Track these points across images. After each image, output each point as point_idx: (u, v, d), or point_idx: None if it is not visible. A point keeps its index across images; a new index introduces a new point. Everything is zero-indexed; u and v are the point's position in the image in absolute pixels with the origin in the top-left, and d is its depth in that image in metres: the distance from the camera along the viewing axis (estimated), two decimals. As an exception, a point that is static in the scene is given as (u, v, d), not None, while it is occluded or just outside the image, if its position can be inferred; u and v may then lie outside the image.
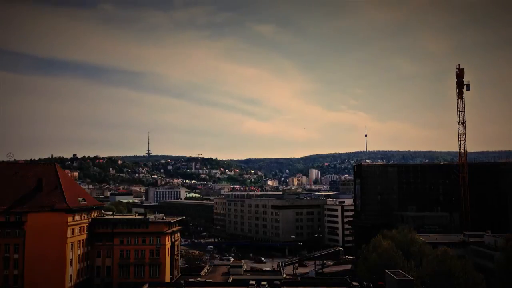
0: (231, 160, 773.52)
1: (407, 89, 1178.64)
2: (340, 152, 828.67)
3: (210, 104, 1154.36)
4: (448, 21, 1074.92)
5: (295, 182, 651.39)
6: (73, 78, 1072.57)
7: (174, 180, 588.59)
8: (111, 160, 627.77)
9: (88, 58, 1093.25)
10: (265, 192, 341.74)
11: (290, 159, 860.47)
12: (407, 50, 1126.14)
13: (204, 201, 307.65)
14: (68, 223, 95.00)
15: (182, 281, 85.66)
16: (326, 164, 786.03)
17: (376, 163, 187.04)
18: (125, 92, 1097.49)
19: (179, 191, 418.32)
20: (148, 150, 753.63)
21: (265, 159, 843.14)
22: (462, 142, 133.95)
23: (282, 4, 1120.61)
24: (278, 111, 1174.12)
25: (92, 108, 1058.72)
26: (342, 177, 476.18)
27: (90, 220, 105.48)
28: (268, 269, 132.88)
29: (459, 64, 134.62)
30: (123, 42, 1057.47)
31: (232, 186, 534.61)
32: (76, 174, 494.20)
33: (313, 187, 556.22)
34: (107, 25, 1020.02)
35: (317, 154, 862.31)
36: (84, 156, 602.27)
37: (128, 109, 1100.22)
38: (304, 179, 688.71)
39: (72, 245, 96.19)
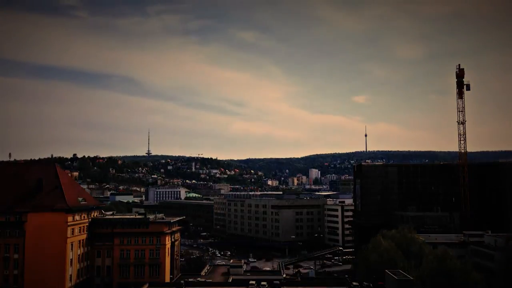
0: (231, 160, 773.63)
1: (393, 92, 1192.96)
2: (340, 152, 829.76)
3: (199, 106, 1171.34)
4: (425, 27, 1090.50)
5: (295, 182, 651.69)
6: (72, 83, 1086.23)
7: (174, 180, 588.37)
8: (111, 160, 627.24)
9: (81, 64, 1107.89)
10: (265, 192, 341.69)
11: (290, 159, 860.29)
12: (382, 55, 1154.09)
13: (204, 201, 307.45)
14: (68, 223, 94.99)
15: (182, 281, 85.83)
16: (326, 164, 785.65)
17: (376, 163, 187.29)
18: (120, 95, 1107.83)
19: (179, 191, 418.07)
20: (148, 150, 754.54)
21: (265, 159, 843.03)
22: (462, 142, 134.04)
23: (259, 13, 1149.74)
24: (265, 113, 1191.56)
25: (92, 110, 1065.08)
26: (342, 177, 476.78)
27: (90, 220, 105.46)
28: (268, 269, 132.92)
29: (459, 64, 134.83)
30: (115, 49, 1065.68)
31: (232, 186, 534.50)
32: (76, 174, 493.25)
33: (313, 187, 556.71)
34: (92, 33, 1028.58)
35: (317, 154, 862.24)
36: (84, 156, 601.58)
37: (125, 110, 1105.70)
38: (304, 179, 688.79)
39: (72, 245, 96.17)
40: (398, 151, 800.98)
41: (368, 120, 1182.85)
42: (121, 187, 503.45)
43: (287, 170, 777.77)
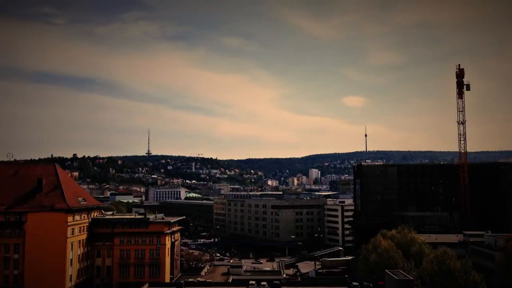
0: (231, 160, 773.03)
1: (381, 95, 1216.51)
2: (340, 152, 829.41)
3: (188, 108, 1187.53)
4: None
5: (295, 182, 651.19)
6: (60, 87, 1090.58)
7: (174, 180, 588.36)
8: (111, 160, 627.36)
9: (68, 69, 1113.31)
10: (265, 192, 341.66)
11: (290, 159, 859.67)
12: (360, 60, 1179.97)
13: (204, 201, 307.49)
14: (68, 223, 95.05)
15: (182, 281, 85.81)
16: (326, 164, 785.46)
17: (376, 163, 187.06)
18: (111, 98, 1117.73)
19: (179, 191, 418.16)
20: (148, 150, 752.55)
21: (265, 159, 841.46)
22: (462, 142, 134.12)
23: (240, 21, 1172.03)
24: (254, 114, 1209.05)
25: (87, 113, 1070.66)
26: (342, 177, 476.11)
27: (90, 220, 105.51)
28: (268, 269, 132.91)
29: (459, 64, 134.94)
30: (101, 55, 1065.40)
31: (232, 186, 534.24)
32: (76, 174, 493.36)
33: (313, 187, 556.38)
34: (73, 39, 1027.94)
35: (317, 154, 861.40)
36: (84, 156, 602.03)
37: (119, 113, 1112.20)
38: (304, 179, 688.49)
39: (72, 245, 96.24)
40: (398, 151, 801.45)
41: (356, 121, 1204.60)
42: (121, 187, 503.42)
43: (287, 170, 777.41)
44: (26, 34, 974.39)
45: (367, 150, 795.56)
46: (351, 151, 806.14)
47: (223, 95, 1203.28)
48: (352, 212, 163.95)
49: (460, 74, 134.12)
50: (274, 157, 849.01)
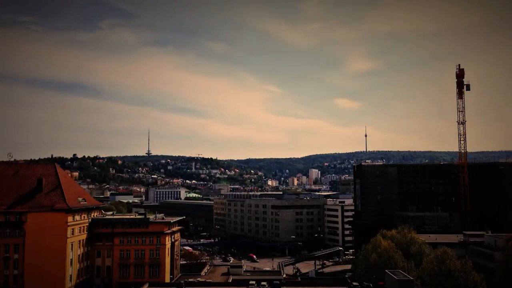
0: (231, 160, 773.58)
1: (367, 97, 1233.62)
2: (340, 152, 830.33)
3: (179, 110, 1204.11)
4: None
5: (295, 182, 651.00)
6: (65, 92, 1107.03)
7: (174, 180, 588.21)
8: (111, 160, 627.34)
9: (56, 74, 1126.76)
10: (265, 192, 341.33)
11: (290, 159, 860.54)
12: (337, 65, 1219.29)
13: (204, 201, 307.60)
14: (68, 223, 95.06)
15: (182, 281, 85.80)
16: (326, 164, 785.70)
17: (376, 163, 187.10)
18: (111, 102, 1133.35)
19: (179, 191, 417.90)
20: (148, 150, 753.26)
21: (265, 159, 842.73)
22: (462, 142, 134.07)
23: (224, 27, 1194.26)
24: (243, 117, 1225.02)
25: (89, 114, 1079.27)
26: (342, 177, 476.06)
27: (90, 220, 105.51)
28: (268, 269, 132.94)
29: (459, 64, 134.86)
30: (89, 60, 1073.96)
31: (232, 186, 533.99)
32: (76, 174, 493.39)
33: (313, 187, 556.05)
34: (55, 45, 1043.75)
35: (317, 154, 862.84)
36: (84, 156, 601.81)
37: (116, 114, 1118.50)
38: (304, 179, 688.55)
39: (72, 245, 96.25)
40: (398, 151, 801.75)
41: (351, 123, 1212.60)
42: (121, 187, 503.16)
43: (287, 170, 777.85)
44: (12, 40, 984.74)
45: (367, 150, 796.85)
46: (351, 151, 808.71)
47: (212, 97, 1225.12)
48: (352, 212, 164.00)
49: (460, 74, 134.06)
50: (274, 157, 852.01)
